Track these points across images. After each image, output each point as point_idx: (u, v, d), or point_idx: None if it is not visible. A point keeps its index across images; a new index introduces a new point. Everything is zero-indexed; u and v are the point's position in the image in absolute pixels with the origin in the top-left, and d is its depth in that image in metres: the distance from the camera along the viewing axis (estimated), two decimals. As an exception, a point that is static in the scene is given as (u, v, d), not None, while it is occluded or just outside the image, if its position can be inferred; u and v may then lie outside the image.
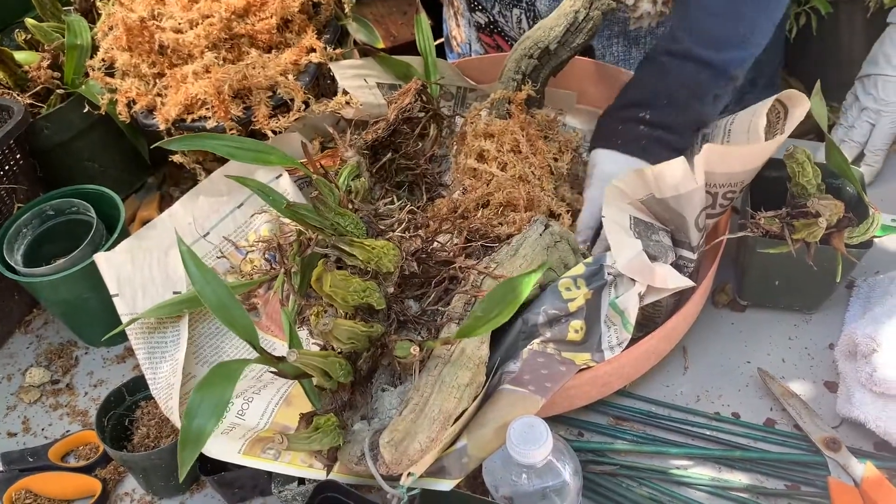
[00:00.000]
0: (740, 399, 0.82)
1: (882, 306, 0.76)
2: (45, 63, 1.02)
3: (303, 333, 0.83)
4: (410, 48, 1.06)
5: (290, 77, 0.93)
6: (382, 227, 0.76)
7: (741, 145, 0.77)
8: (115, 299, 0.83)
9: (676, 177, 0.73)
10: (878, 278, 0.85)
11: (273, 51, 0.99)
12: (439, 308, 0.74)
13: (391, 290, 0.70)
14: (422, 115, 0.92)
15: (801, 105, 0.78)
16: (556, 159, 0.92)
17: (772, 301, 0.88)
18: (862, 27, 1.92)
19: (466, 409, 0.67)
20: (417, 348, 0.66)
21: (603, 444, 0.79)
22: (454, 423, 0.66)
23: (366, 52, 1.06)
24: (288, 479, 0.74)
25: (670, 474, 0.76)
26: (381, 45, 1.10)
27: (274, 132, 0.92)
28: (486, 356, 0.69)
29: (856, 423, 0.75)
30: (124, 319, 0.82)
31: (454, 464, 0.66)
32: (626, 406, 0.82)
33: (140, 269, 0.85)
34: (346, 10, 1.04)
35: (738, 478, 0.75)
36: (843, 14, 1.90)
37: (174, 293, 0.84)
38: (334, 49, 1.00)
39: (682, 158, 0.73)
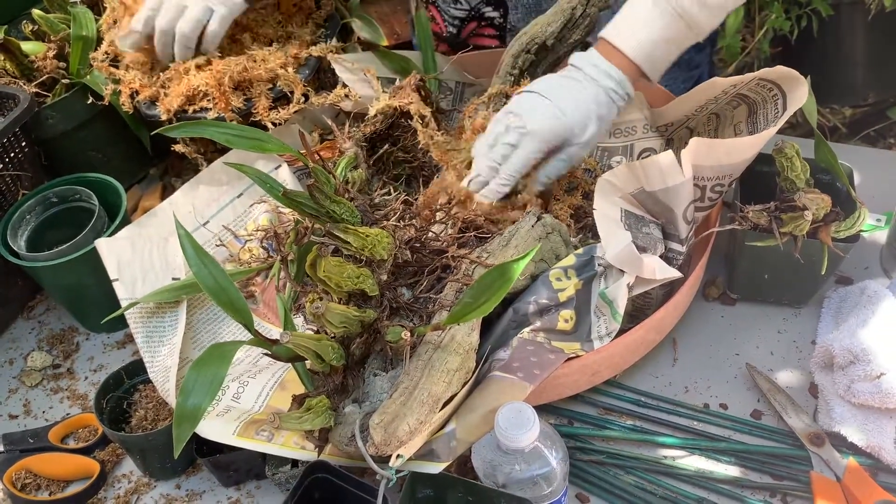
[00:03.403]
0: (728, 390, 0.83)
1: (856, 317, 0.77)
2: (51, 53, 1.04)
3: (298, 321, 0.84)
4: (411, 47, 1.08)
5: (290, 70, 0.94)
6: (377, 217, 0.78)
7: (728, 139, 0.78)
8: (114, 284, 0.84)
9: (664, 170, 0.74)
10: (849, 289, 0.85)
11: (274, 44, 1.00)
12: (431, 296, 0.75)
13: (384, 277, 0.72)
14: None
15: (798, 86, 0.78)
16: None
17: (761, 295, 0.89)
18: (863, 29, 1.93)
19: (456, 394, 0.68)
20: (408, 334, 0.67)
21: (592, 431, 0.80)
22: (443, 407, 0.67)
23: (366, 46, 1.08)
24: (282, 462, 0.76)
25: (657, 463, 0.77)
26: (384, 43, 1.12)
27: (274, 124, 0.94)
28: (476, 343, 0.70)
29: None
30: (124, 304, 0.83)
31: (443, 447, 0.68)
32: (615, 395, 0.83)
33: (140, 255, 0.87)
34: None
35: (724, 469, 0.76)
36: (844, 16, 1.91)
37: (173, 279, 0.85)
38: (335, 43, 1.01)
39: (669, 152, 0.74)
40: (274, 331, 0.87)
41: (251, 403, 0.77)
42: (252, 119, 0.95)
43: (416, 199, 0.93)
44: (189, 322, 0.84)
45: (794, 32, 1.99)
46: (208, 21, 0.94)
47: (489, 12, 1.11)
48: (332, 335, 0.69)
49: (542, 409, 0.81)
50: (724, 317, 0.89)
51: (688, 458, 0.78)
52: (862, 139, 2.16)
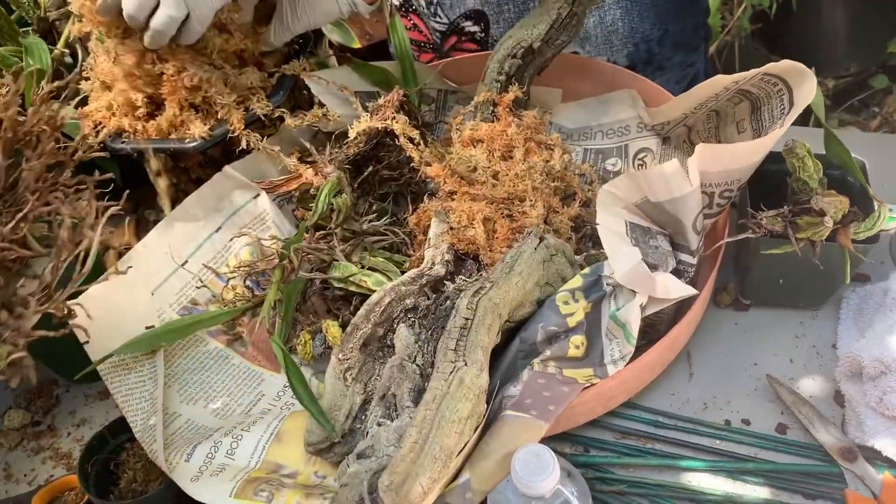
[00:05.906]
0: (750, 404, 0.79)
1: (883, 323, 0.73)
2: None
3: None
4: (386, 45, 1.02)
5: (263, 101, 0.88)
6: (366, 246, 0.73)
7: (735, 143, 0.74)
8: (85, 346, 0.78)
9: (669, 179, 0.69)
10: (868, 288, 0.81)
11: (247, 66, 0.94)
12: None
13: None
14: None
15: (805, 80, 0.72)
16: (547, 161, 0.88)
17: (776, 299, 0.84)
18: (843, 2, 1.90)
19: (468, 442, 0.63)
20: None
21: (610, 459, 0.76)
22: (456, 457, 0.62)
23: (341, 58, 1.02)
24: (284, 520, 0.71)
25: (683, 490, 0.73)
26: (356, 45, 1.06)
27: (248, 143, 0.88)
28: (486, 384, 0.65)
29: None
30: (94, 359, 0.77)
31: (458, 500, 0.63)
32: (632, 417, 0.79)
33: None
34: None
35: (753, 491, 0.72)
36: (824, -11, 1.88)
37: (147, 328, 0.79)
38: (307, 59, 0.95)
39: (674, 160, 0.69)
40: (266, 374, 0.82)
41: (247, 460, 0.72)
42: (231, 146, 0.89)
43: (405, 218, 0.88)
44: (172, 372, 0.79)
45: (773, 7, 1.95)
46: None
47: (469, 27, 1.07)
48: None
49: (556, 438, 0.77)
50: (737, 324, 0.85)
51: (714, 482, 0.73)
52: (846, 109, 2.14)
